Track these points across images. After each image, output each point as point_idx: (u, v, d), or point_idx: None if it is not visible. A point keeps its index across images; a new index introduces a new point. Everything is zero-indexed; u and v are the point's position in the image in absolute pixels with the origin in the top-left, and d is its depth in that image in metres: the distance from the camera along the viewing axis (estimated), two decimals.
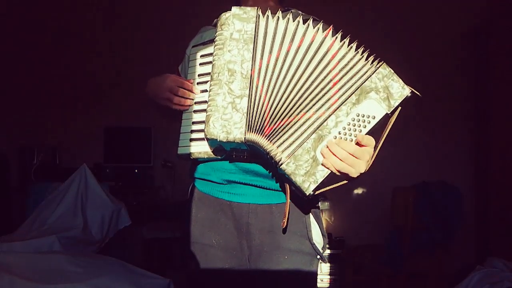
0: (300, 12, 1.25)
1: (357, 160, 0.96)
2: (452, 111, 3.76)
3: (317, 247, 1.17)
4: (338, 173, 0.98)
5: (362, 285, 3.06)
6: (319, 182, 0.98)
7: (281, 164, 0.98)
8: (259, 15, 1.05)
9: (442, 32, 3.75)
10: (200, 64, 1.16)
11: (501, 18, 3.40)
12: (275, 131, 1.02)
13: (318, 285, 3.15)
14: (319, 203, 1.23)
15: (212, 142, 1.06)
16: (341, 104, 0.99)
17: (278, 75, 1.03)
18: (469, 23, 3.66)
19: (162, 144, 3.69)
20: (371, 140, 0.98)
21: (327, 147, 0.97)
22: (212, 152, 1.09)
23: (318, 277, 3.15)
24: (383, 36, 3.65)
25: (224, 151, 1.09)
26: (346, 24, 1.20)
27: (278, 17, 1.05)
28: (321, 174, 0.98)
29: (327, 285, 3.22)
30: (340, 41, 1.04)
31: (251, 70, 1.02)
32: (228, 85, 1.02)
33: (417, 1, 3.74)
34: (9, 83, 3.73)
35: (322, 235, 1.19)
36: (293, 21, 1.05)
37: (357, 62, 1.02)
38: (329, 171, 0.98)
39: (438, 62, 3.75)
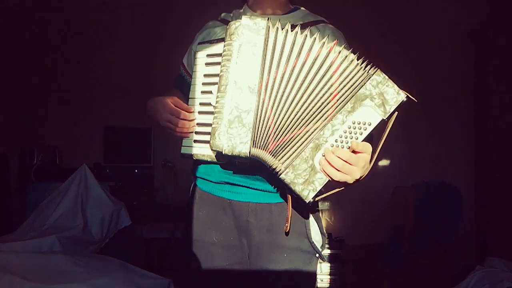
0: (307, 11, 1.27)
1: (353, 167, 0.98)
2: (452, 111, 3.76)
3: (316, 246, 1.18)
4: (333, 181, 1.00)
5: (362, 285, 3.06)
6: (317, 190, 0.99)
7: (280, 173, 1.00)
8: (269, 27, 1.04)
9: (443, 33, 3.75)
10: (207, 64, 1.15)
11: (502, 18, 3.40)
12: (279, 147, 1.03)
13: (318, 285, 3.15)
14: (319, 203, 1.24)
15: (217, 152, 1.06)
16: (336, 113, 1.00)
17: (284, 91, 1.03)
18: (470, 24, 3.67)
19: (162, 144, 3.69)
20: (366, 147, 0.99)
21: (324, 156, 0.99)
22: (215, 157, 1.10)
23: (318, 277, 3.15)
24: (384, 36, 3.65)
25: (228, 158, 1.10)
26: (349, 21, 1.20)
27: (287, 30, 1.04)
28: (320, 182, 0.99)
29: (327, 285, 3.22)
30: (344, 55, 1.04)
31: (259, 85, 1.02)
32: (235, 99, 1.02)
33: (417, 1, 3.74)
34: (9, 83, 3.72)
35: (321, 233, 1.21)
36: (301, 34, 1.04)
37: (356, 73, 1.02)
38: (328, 179, 1.00)
39: (438, 62, 3.75)
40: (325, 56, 1.03)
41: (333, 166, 0.98)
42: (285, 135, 1.03)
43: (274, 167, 1.02)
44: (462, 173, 3.66)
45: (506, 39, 3.34)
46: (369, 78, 1.00)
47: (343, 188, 1.02)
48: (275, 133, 1.03)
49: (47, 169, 3.49)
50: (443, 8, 3.72)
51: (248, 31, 1.03)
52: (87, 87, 3.88)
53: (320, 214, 1.24)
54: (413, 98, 1.00)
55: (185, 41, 1.36)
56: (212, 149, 1.05)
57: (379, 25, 3.70)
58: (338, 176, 0.98)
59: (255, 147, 1.03)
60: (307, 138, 1.01)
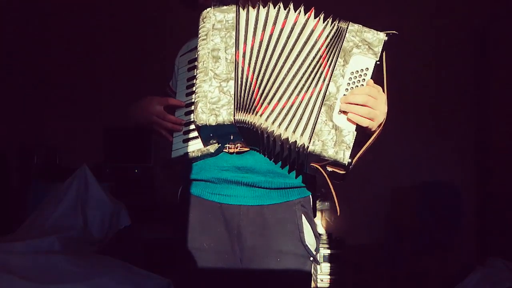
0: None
1: (376, 100, 0.98)
2: (452, 111, 3.76)
3: (310, 249, 1.15)
4: (364, 123, 0.98)
5: (362, 285, 3.06)
6: (351, 146, 0.98)
7: (307, 147, 0.99)
8: (239, 6, 1.08)
9: (443, 32, 3.75)
10: (189, 69, 1.18)
11: (502, 18, 3.40)
12: (275, 112, 1.03)
13: (318, 285, 3.15)
14: (318, 202, 1.22)
15: (203, 130, 1.06)
16: (332, 71, 1.02)
17: (264, 55, 1.05)
18: (471, 23, 3.66)
19: (162, 144, 3.66)
20: (378, 86, 1.01)
21: (343, 101, 0.99)
22: (204, 145, 1.10)
23: (318, 277, 3.15)
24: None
25: (217, 144, 1.10)
26: (345, 16, 1.19)
27: (259, 5, 1.08)
28: (349, 138, 0.98)
29: (327, 285, 3.22)
30: (324, 22, 1.07)
31: (235, 54, 1.05)
32: (213, 71, 1.05)
33: (416, 0, 3.74)
34: (9, 83, 3.73)
35: (314, 236, 1.18)
36: (274, 8, 1.07)
37: (334, 32, 1.06)
38: (355, 132, 0.99)
39: (439, 61, 3.75)
40: (304, 22, 1.06)
41: (357, 104, 0.97)
42: (280, 100, 1.03)
43: (290, 141, 1.00)
44: (462, 173, 3.65)
45: (506, 39, 3.34)
46: (346, 31, 1.04)
47: (376, 136, 1.01)
48: (261, 96, 1.04)
49: (47, 169, 3.49)
50: (443, 8, 3.71)
51: (219, 12, 1.08)
52: (88, 87, 3.88)
53: (320, 214, 1.22)
54: (394, 32, 1.05)
55: (181, 40, 1.35)
56: (197, 125, 1.05)
57: (376, 24, 3.69)
58: (365, 112, 0.97)
59: (239, 111, 1.03)
60: (314, 103, 1.02)
